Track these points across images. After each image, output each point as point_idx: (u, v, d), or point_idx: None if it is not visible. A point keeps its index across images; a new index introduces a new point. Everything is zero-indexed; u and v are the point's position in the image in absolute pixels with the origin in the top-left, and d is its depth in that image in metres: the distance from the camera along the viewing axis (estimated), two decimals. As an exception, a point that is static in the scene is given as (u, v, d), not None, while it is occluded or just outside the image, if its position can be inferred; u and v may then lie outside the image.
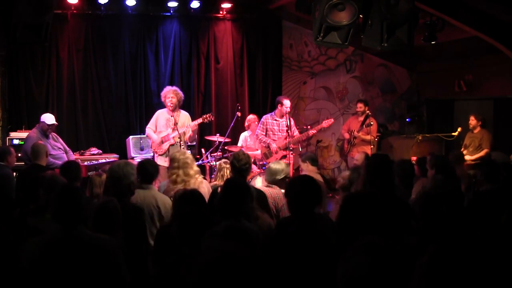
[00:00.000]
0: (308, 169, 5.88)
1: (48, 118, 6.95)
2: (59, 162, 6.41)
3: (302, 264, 2.84)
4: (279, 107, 7.64)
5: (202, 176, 5.01)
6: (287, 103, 7.59)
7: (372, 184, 3.90)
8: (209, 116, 7.31)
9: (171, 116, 7.15)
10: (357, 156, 6.73)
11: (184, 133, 7.08)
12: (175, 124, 7.06)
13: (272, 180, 4.93)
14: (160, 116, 7.35)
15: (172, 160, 4.91)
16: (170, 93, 7.21)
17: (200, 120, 7.25)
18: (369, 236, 1.95)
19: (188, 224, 2.91)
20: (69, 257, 2.84)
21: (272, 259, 2.91)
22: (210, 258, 1.79)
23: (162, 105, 7.49)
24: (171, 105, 7.17)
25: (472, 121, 8.14)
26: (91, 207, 3.41)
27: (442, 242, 1.84)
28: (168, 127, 7.20)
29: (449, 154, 6.96)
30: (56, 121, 7.09)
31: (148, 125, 7.46)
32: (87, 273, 2.83)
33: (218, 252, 1.81)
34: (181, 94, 7.32)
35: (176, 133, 7.05)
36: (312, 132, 7.61)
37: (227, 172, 5.35)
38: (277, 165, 5.01)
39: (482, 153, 7.87)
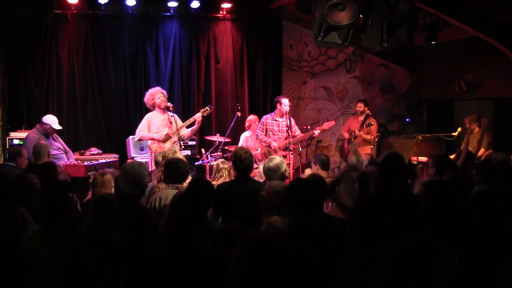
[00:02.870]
0: (317, 172, 5.50)
1: (54, 122, 6.91)
2: (58, 163, 6.39)
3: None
4: (278, 107, 7.63)
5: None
6: (285, 102, 7.57)
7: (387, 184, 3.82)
8: (208, 109, 7.21)
9: (171, 116, 7.09)
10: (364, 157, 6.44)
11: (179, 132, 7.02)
12: (171, 123, 7.02)
13: (277, 176, 4.59)
14: (153, 118, 7.14)
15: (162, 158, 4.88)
16: (159, 94, 7.13)
17: (199, 114, 7.13)
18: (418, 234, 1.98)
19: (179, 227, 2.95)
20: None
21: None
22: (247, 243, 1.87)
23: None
24: (164, 105, 7.08)
25: (468, 123, 8.11)
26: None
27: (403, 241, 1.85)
28: (166, 127, 7.11)
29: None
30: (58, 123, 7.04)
31: (140, 129, 7.17)
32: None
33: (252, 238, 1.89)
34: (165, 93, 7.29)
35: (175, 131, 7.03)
36: (317, 132, 7.56)
37: (225, 173, 5.27)
38: (273, 161, 4.65)
39: (479, 153, 7.86)
